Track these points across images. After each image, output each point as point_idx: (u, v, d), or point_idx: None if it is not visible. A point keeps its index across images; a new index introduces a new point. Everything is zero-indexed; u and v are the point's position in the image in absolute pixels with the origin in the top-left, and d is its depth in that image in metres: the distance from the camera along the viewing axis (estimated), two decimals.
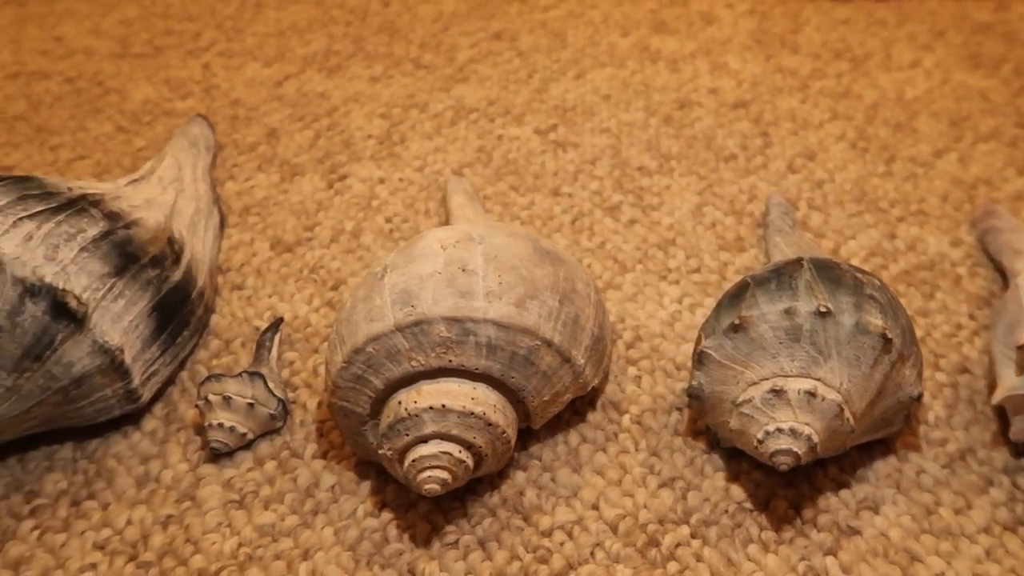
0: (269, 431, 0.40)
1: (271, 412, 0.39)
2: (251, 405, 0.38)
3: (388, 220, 0.51)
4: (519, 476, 0.38)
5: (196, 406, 0.39)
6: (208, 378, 0.39)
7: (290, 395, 0.41)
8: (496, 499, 0.37)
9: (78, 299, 0.36)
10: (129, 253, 0.39)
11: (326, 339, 0.44)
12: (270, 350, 0.42)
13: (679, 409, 0.40)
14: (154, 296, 0.40)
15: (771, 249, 0.45)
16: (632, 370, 0.42)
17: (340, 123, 0.58)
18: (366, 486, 0.38)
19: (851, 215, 0.50)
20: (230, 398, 0.38)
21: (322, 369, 0.43)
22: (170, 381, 0.42)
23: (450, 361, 0.34)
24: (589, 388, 0.38)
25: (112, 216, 0.39)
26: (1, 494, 0.38)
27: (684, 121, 0.57)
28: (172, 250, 0.42)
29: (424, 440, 0.34)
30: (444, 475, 0.33)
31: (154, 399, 0.41)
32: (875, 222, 0.49)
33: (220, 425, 0.38)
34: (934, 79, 0.61)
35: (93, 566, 0.35)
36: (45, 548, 0.36)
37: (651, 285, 0.46)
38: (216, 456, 0.39)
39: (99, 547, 0.36)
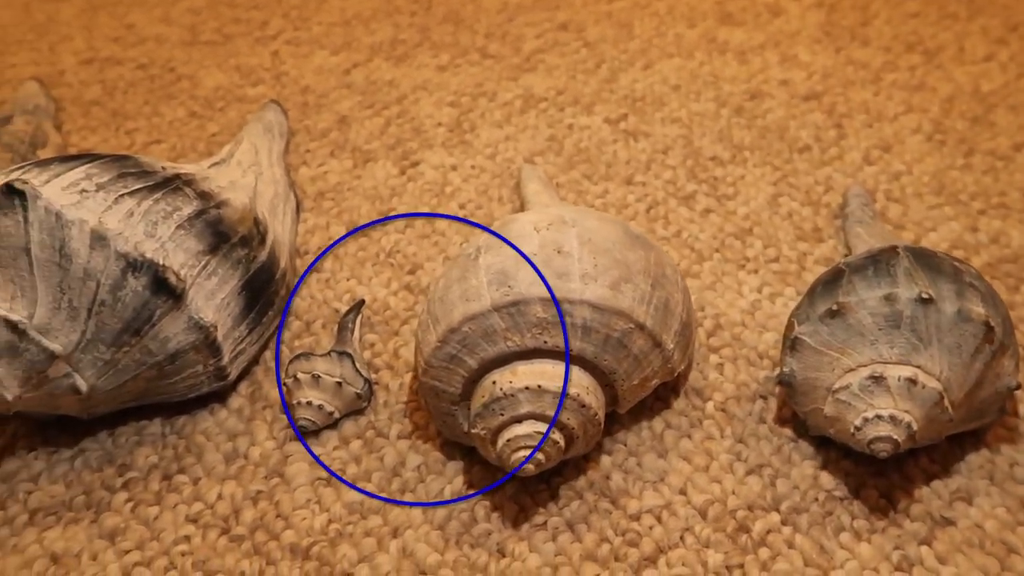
0: (354, 411, 0.40)
1: (357, 392, 0.39)
2: (339, 384, 0.39)
3: (462, 207, 0.51)
4: (605, 460, 0.38)
5: (284, 384, 0.39)
6: (297, 357, 0.39)
7: (372, 376, 0.42)
8: (583, 482, 0.37)
9: (177, 275, 0.36)
10: (221, 232, 0.39)
11: (406, 322, 0.44)
12: (352, 331, 0.42)
13: (763, 397, 0.40)
14: (243, 275, 0.40)
15: (852, 240, 0.44)
16: (714, 358, 0.42)
17: (409, 111, 0.59)
18: (452, 466, 0.38)
19: (930, 207, 0.49)
20: (319, 377, 0.39)
21: (404, 351, 0.43)
22: (255, 360, 0.43)
23: (545, 342, 0.34)
24: (676, 374, 0.38)
25: (204, 196, 0.40)
26: (94, 467, 0.39)
27: (755, 112, 0.57)
28: (258, 231, 0.43)
29: (518, 420, 0.34)
30: (539, 456, 0.34)
31: (239, 378, 0.42)
32: (955, 215, 0.49)
33: (309, 403, 0.39)
34: (1010, 73, 0.60)
35: (187, 538, 0.36)
36: (139, 520, 0.36)
37: (729, 274, 0.46)
38: (300, 434, 0.39)
39: (191, 520, 0.36)
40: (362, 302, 0.44)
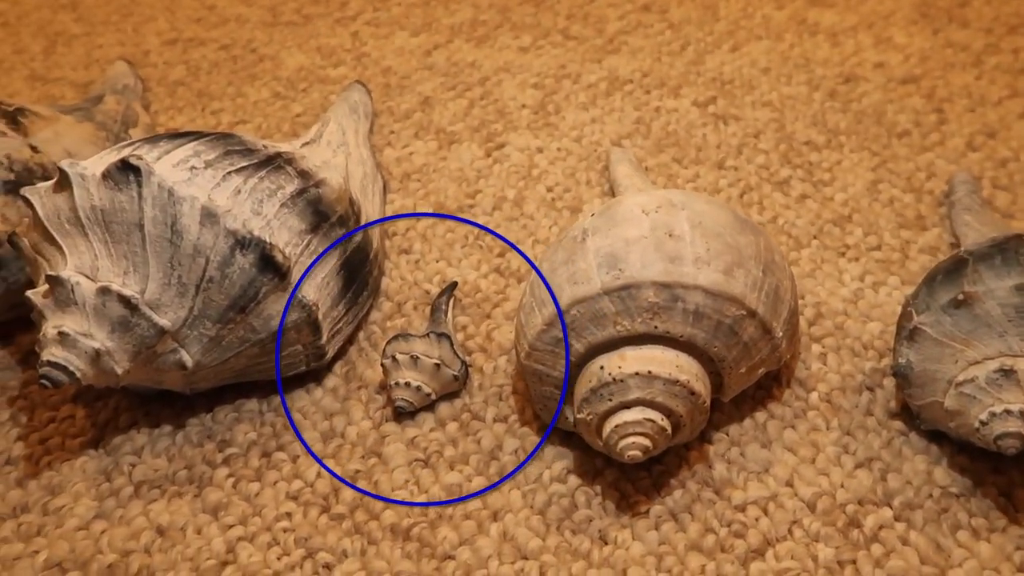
0: (449, 393, 0.40)
1: (455, 373, 0.39)
2: (437, 366, 0.38)
3: (549, 189, 0.50)
4: (707, 449, 0.37)
5: (381, 364, 0.39)
6: (395, 337, 0.39)
7: (467, 358, 0.42)
8: (685, 471, 0.36)
9: (283, 253, 0.36)
10: (320, 211, 0.39)
11: (497, 305, 0.44)
12: (446, 313, 0.42)
13: (870, 389, 0.39)
14: (341, 255, 0.40)
15: (961, 228, 0.43)
16: (816, 347, 0.41)
17: (493, 92, 0.58)
18: (550, 451, 0.37)
19: None
20: (417, 358, 0.38)
21: (496, 334, 0.42)
22: (349, 340, 0.43)
23: (656, 327, 0.33)
24: (782, 362, 0.37)
25: (304, 174, 0.40)
26: (195, 442, 0.39)
27: (850, 96, 0.55)
28: (352, 211, 0.42)
29: (627, 406, 0.33)
30: (646, 442, 0.33)
31: (335, 358, 0.42)
32: None
33: (407, 384, 0.38)
34: None
35: (288, 515, 0.36)
36: (241, 495, 0.37)
37: (829, 262, 0.45)
38: (399, 415, 0.39)
39: (292, 497, 0.37)
40: (454, 284, 0.44)
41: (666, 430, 0.33)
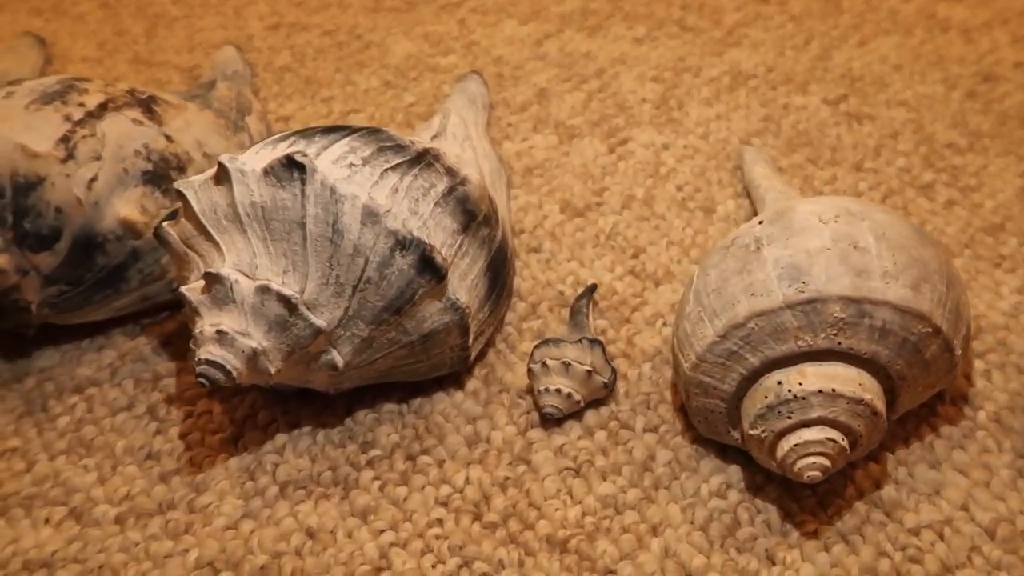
0: (595, 400, 0.39)
1: (604, 381, 0.38)
2: (588, 373, 0.37)
3: (679, 188, 0.49)
4: (872, 467, 0.36)
5: (528, 369, 0.38)
6: (545, 342, 0.38)
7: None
8: (851, 490, 0.35)
9: (441, 254, 0.35)
10: (468, 210, 0.38)
11: (636, 309, 0.43)
12: (587, 316, 0.41)
13: None
14: (487, 255, 0.39)
15: None
16: (980, 364, 0.39)
17: (610, 85, 0.57)
18: (706, 465, 0.36)
19: None
20: (569, 364, 0.37)
21: (637, 340, 0.41)
22: (489, 343, 0.42)
23: (839, 343, 0.32)
24: (954, 381, 0.35)
25: (450, 172, 0.39)
26: (336, 442, 0.38)
27: (991, 96, 0.53)
28: (492, 208, 0.41)
29: (807, 425, 0.32)
30: (826, 462, 0.32)
31: (475, 360, 0.41)
32: None
33: (558, 391, 0.37)
34: None
35: (439, 521, 0.35)
36: (389, 500, 0.36)
37: (984, 273, 0.43)
38: (544, 421, 0.38)
39: (442, 503, 0.36)
40: (594, 287, 0.42)
41: (846, 450, 0.32)
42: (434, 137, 0.46)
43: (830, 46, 0.58)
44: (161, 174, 0.42)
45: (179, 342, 0.43)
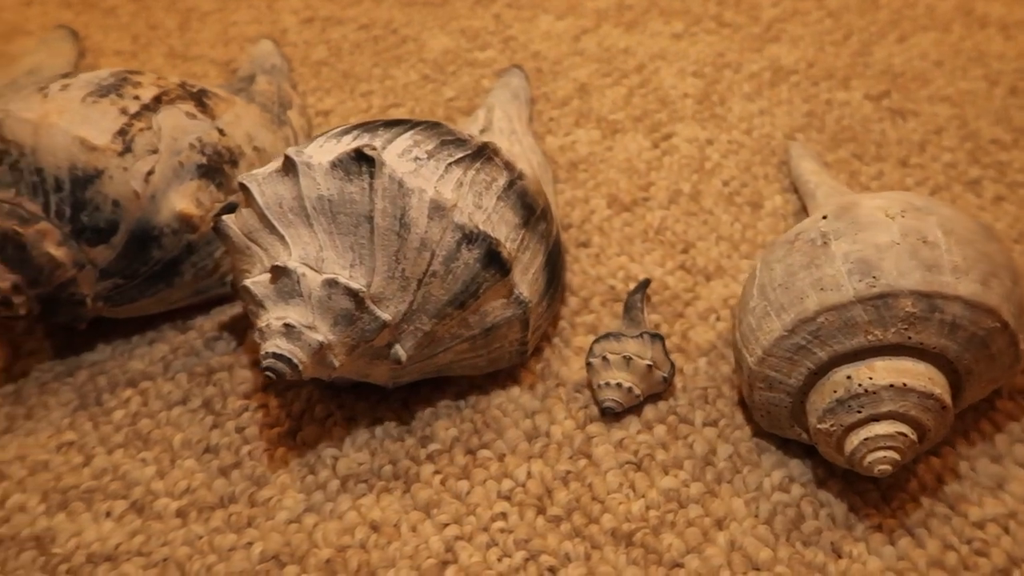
0: (653, 395, 0.39)
1: (664, 375, 0.38)
2: (649, 367, 0.37)
3: (725, 184, 0.49)
4: (933, 461, 0.36)
5: (587, 363, 0.38)
6: (605, 336, 0.38)
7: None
8: (914, 484, 0.35)
9: (507, 248, 0.35)
10: (528, 204, 0.38)
11: (689, 303, 0.43)
12: (642, 311, 0.41)
13: None
14: (546, 250, 0.39)
15: None
16: None
17: (651, 80, 0.57)
18: (767, 459, 0.36)
19: None
20: (630, 359, 0.37)
21: (692, 334, 0.41)
22: (544, 337, 0.42)
23: (909, 338, 0.32)
24: (1015, 377, 0.35)
25: (508, 166, 0.39)
26: (395, 436, 0.38)
27: None
28: (547, 202, 0.41)
29: (877, 419, 0.32)
30: (896, 456, 0.32)
31: (530, 355, 0.41)
32: None
33: (618, 385, 0.38)
34: None
35: (503, 515, 0.35)
36: (451, 494, 0.36)
37: None
38: (603, 415, 0.39)
39: (505, 497, 0.36)
40: (647, 282, 0.42)
41: (915, 444, 0.32)
42: (481, 132, 0.46)
43: (869, 42, 0.58)
44: (215, 168, 0.42)
45: (230, 336, 0.43)
